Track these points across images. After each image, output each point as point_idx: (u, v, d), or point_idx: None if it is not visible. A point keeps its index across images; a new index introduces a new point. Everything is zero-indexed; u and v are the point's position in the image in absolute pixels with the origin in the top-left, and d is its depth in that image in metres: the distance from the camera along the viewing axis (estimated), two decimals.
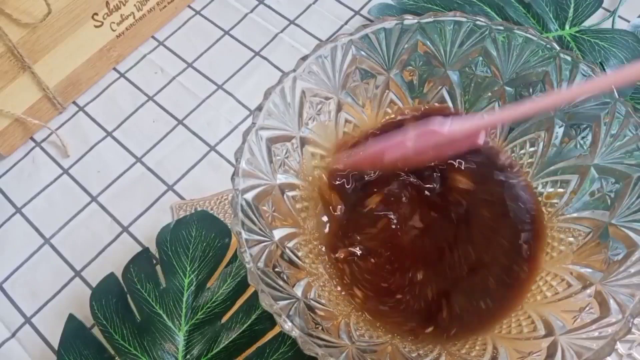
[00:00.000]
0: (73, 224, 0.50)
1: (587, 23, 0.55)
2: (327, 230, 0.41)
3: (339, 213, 0.41)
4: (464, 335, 0.37)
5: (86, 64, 0.55)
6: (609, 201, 0.37)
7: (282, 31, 0.59)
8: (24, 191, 0.52)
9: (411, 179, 0.42)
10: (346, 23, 0.59)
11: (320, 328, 0.34)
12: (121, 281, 0.45)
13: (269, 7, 0.60)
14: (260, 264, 0.34)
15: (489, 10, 0.55)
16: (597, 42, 0.53)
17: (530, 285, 0.38)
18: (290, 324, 0.32)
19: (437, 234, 0.41)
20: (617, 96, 0.37)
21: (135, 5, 0.55)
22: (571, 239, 0.39)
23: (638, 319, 0.32)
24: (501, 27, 0.39)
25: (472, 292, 0.38)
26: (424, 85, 0.43)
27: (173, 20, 0.60)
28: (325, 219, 0.41)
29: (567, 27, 0.55)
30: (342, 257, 0.40)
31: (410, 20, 0.40)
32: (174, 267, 0.44)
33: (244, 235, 0.34)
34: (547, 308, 0.36)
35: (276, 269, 0.35)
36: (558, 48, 0.38)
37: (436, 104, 0.44)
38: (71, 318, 0.44)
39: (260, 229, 0.36)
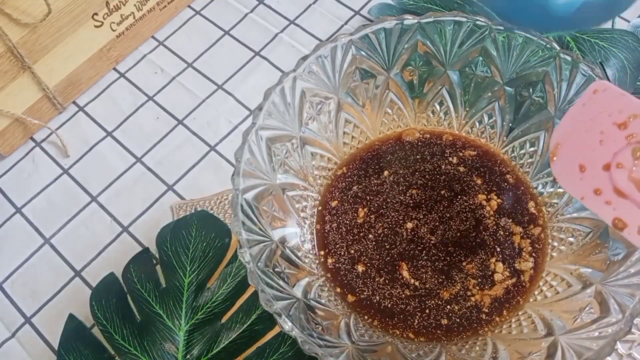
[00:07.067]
0: (73, 224, 0.50)
1: None
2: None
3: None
4: (464, 336, 0.37)
5: (86, 64, 0.55)
6: None
7: (282, 31, 0.59)
8: (24, 191, 0.52)
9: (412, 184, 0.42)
10: (346, 23, 0.59)
11: (320, 328, 0.34)
12: (121, 281, 0.45)
13: (269, 7, 0.60)
14: (260, 264, 0.34)
15: (489, 10, 0.55)
16: (597, 42, 0.53)
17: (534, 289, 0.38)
18: (290, 324, 0.32)
19: (435, 235, 0.41)
20: None
21: (135, 5, 0.55)
22: (571, 239, 0.39)
23: (638, 319, 0.32)
24: (501, 27, 0.39)
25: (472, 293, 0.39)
26: (424, 85, 0.43)
27: (173, 20, 0.60)
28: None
29: None
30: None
31: (410, 20, 0.40)
32: (174, 267, 0.44)
33: (244, 235, 0.34)
34: (547, 308, 0.36)
35: (276, 269, 0.35)
36: (558, 48, 0.38)
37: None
38: (71, 318, 0.44)
39: (260, 229, 0.36)
